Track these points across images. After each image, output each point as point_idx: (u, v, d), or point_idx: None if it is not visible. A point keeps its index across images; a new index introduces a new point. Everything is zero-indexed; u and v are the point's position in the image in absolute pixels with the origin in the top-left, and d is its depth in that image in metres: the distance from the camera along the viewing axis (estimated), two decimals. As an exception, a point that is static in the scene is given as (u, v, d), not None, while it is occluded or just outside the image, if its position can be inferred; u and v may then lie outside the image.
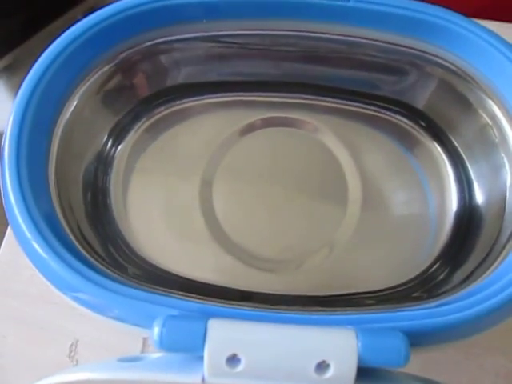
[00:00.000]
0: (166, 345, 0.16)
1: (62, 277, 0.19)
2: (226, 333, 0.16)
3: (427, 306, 0.20)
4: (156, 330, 0.17)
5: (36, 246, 0.19)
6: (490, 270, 0.21)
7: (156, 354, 0.18)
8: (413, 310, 0.19)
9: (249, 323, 0.17)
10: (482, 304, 0.18)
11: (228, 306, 0.19)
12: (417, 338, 0.17)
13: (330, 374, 0.16)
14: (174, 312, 0.18)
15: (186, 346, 0.16)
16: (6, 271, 0.27)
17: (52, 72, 0.22)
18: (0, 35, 0.59)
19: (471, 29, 0.23)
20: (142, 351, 0.25)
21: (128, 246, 0.25)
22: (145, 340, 0.25)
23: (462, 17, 0.24)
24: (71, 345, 0.25)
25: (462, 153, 0.26)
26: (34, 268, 0.19)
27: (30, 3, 0.60)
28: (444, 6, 0.24)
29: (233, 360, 0.16)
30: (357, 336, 0.16)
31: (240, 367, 0.16)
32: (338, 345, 0.16)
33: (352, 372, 0.16)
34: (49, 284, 0.19)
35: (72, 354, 0.25)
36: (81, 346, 0.25)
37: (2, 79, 0.61)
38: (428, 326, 0.18)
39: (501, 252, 0.22)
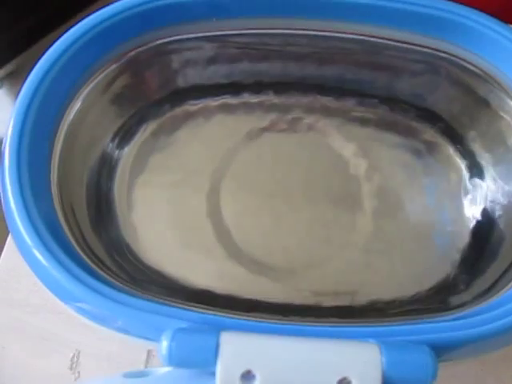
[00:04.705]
0: (175, 360, 0.15)
1: (63, 286, 0.18)
2: (239, 347, 0.16)
3: (450, 317, 0.19)
4: (164, 344, 0.16)
5: (37, 253, 0.18)
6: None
7: (163, 369, 0.17)
8: (437, 322, 0.18)
9: (264, 336, 0.16)
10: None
11: (241, 317, 0.18)
12: (443, 352, 0.17)
13: (351, 391, 0.15)
14: (183, 324, 0.17)
15: (197, 362, 0.16)
16: (6, 280, 0.26)
17: (54, 72, 0.21)
18: (3, 42, 0.59)
19: (494, 28, 0.23)
20: (147, 363, 0.24)
21: (132, 252, 0.24)
22: (149, 351, 0.24)
23: (483, 14, 0.23)
24: (73, 356, 0.25)
25: (480, 157, 0.26)
26: (35, 277, 0.19)
27: (34, 9, 0.60)
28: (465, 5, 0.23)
29: (247, 376, 0.15)
30: (380, 351, 0.16)
31: (255, 384, 0.15)
32: (361, 360, 0.15)
33: (376, 390, 0.15)
34: (50, 293, 0.18)
35: (74, 365, 0.25)
36: (83, 357, 0.25)
37: (6, 86, 0.60)
38: (456, 340, 0.17)
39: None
